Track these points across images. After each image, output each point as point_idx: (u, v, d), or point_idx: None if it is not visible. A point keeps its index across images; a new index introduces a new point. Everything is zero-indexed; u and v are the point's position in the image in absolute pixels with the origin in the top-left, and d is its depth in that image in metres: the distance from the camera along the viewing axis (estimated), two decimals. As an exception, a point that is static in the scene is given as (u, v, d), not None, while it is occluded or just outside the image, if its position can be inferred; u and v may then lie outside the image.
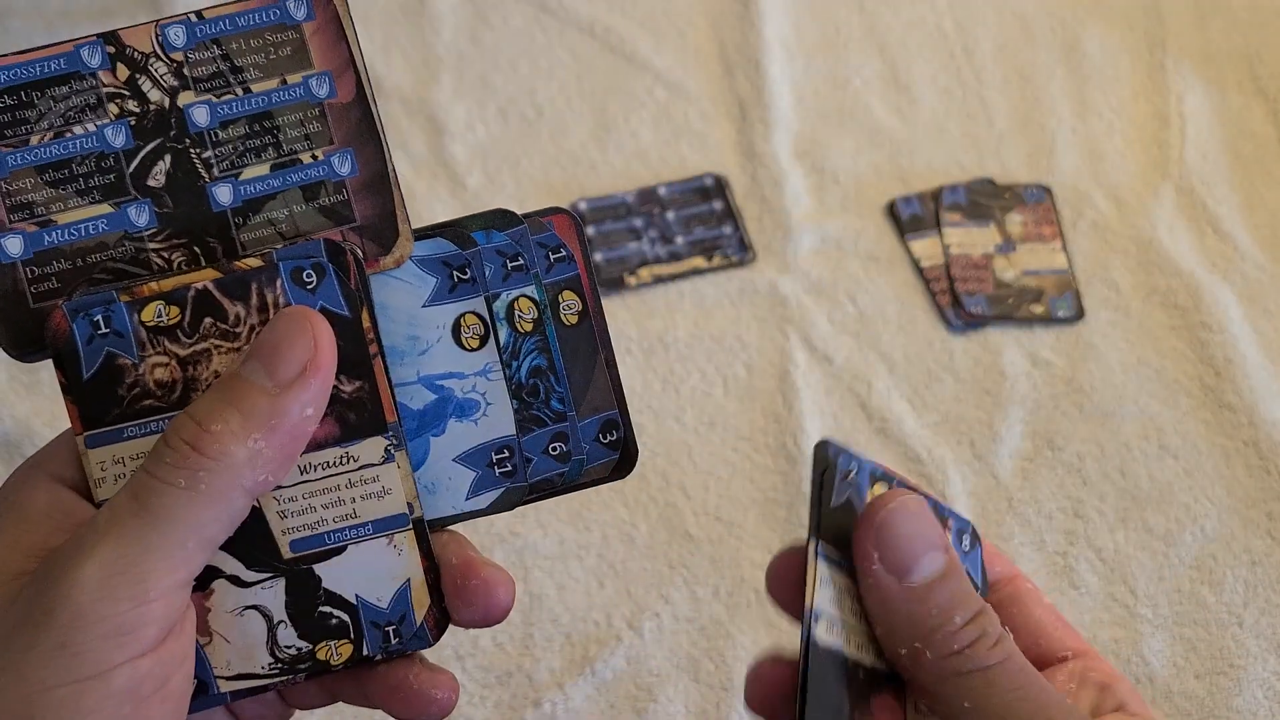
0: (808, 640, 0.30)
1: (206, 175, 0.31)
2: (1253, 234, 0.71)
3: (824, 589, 0.30)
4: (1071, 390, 0.65)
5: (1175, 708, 0.55)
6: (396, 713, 0.32)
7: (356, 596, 0.31)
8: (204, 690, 0.30)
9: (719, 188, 0.72)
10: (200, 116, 0.31)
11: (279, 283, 0.30)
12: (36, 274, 0.31)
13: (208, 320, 0.30)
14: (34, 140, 0.31)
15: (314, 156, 0.31)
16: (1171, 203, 0.72)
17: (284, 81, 0.31)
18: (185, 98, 0.31)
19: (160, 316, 0.30)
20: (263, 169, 0.31)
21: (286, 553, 0.30)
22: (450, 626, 0.32)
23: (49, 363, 0.30)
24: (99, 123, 0.31)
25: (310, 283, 0.30)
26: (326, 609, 0.31)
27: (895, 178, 0.73)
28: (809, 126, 0.75)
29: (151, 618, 0.27)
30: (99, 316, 0.30)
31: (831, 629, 0.30)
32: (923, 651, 0.30)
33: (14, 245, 0.30)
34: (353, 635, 0.31)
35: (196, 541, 0.27)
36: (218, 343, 0.30)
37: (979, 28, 0.80)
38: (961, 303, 0.67)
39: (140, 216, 0.31)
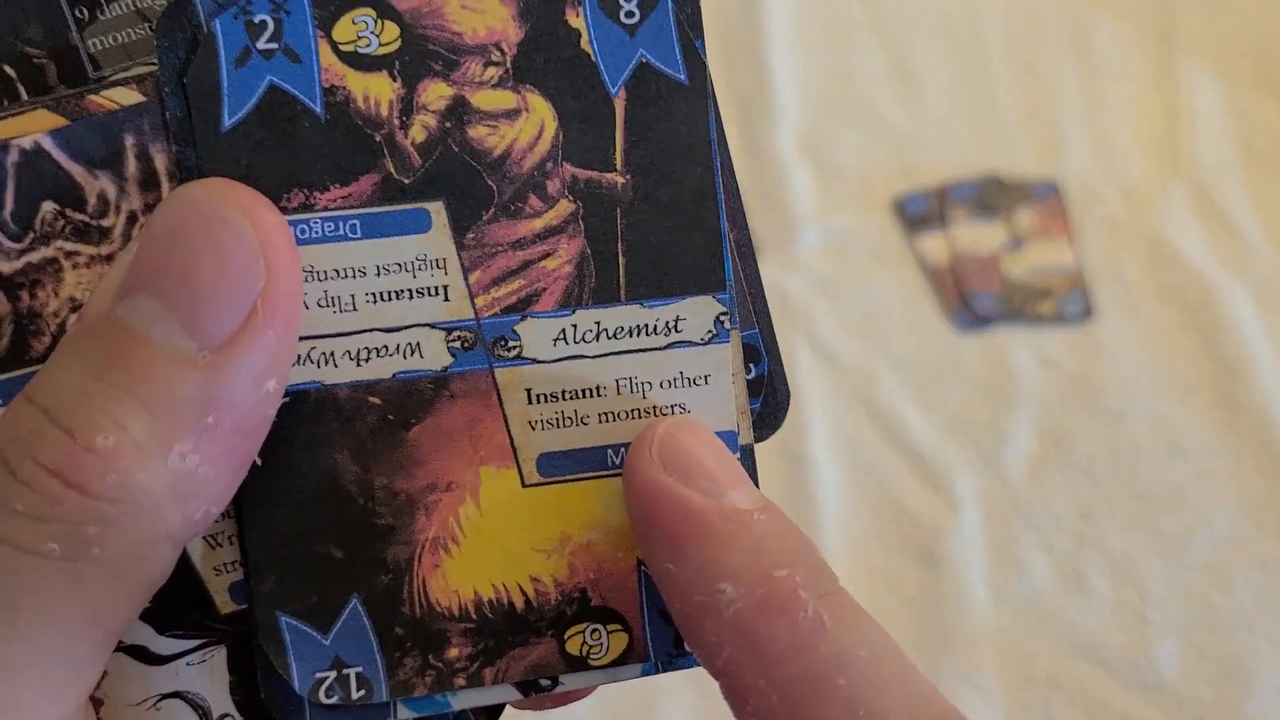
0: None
1: None
2: (1265, 231, 0.70)
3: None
4: (1080, 390, 0.64)
5: (1186, 714, 0.55)
6: None
7: None
8: None
9: (722, 183, 0.71)
10: None
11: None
12: None
13: (49, 206, 0.17)
14: None
15: None
16: (1182, 199, 0.72)
17: None
18: None
19: None
20: None
21: (224, 604, 0.18)
22: None
23: None
24: None
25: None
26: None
27: (901, 174, 0.72)
28: (813, 121, 0.74)
29: None
30: None
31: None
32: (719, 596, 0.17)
33: None
34: None
35: (93, 643, 0.16)
36: (72, 248, 0.17)
37: (987, 21, 0.79)
38: (968, 301, 0.67)
39: None
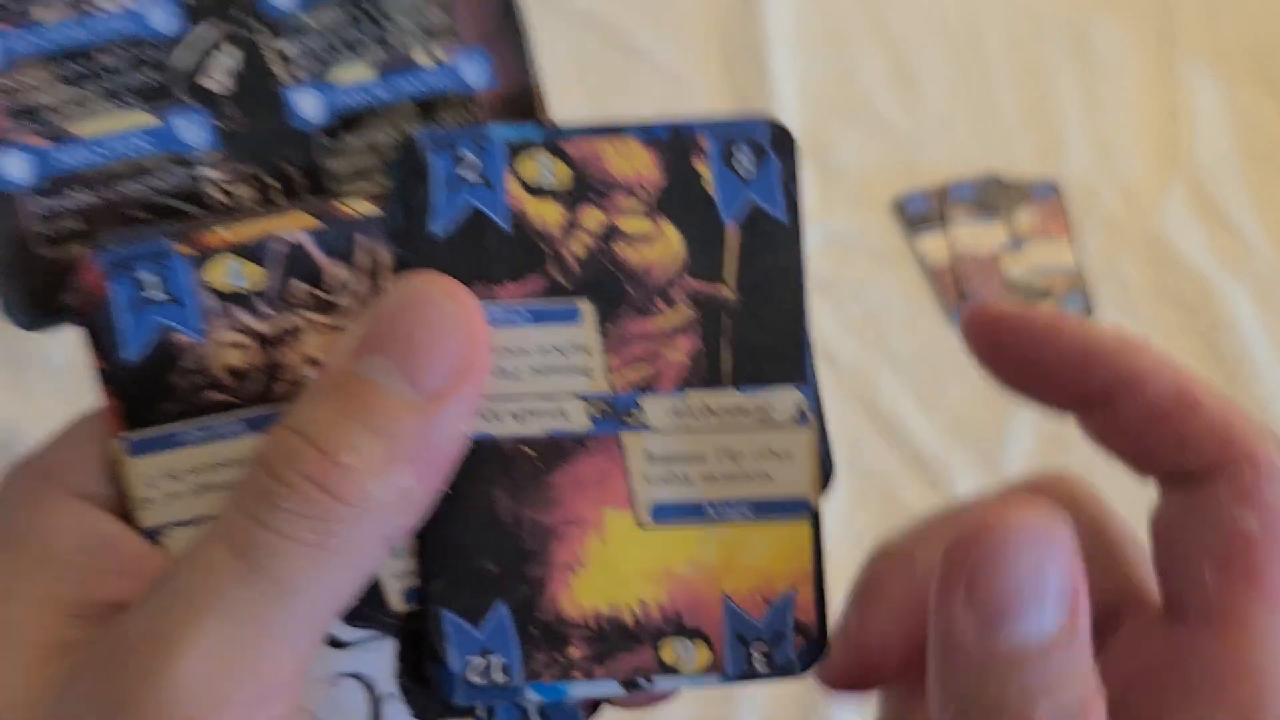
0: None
1: (285, 77, 0.23)
2: (1264, 231, 0.70)
3: None
4: (1081, 390, 0.64)
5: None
6: None
7: None
8: None
9: (722, 183, 0.71)
10: None
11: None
12: (50, 208, 0.22)
13: (299, 285, 0.22)
14: (44, 17, 0.22)
15: (434, 58, 0.23)
16: (1182, 200, 0.72)
17: None
18: None
19: (235, 278, 0.22)
20: (363, 72, 0.23)
21: (397, 604, 0.23)
22: None
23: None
24: None
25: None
26: None
27: (901, 174, 0.72)
28: (813, 121, 0.74)
29: (270, 718, 0.20)
30: (148, 274, 0.22)
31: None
32: None
33: (16, 165, 0.22)
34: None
35: (327, 615, 0.20)
36: (312, 316, 0.22)
37: (987, 21, 0.79)
38: (969, 301, 0.66)
39: (193, 132, 0.23)
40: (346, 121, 0.23)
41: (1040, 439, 0.62)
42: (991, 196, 0.71)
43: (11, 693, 0.20)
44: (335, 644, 0.23)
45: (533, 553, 0.22)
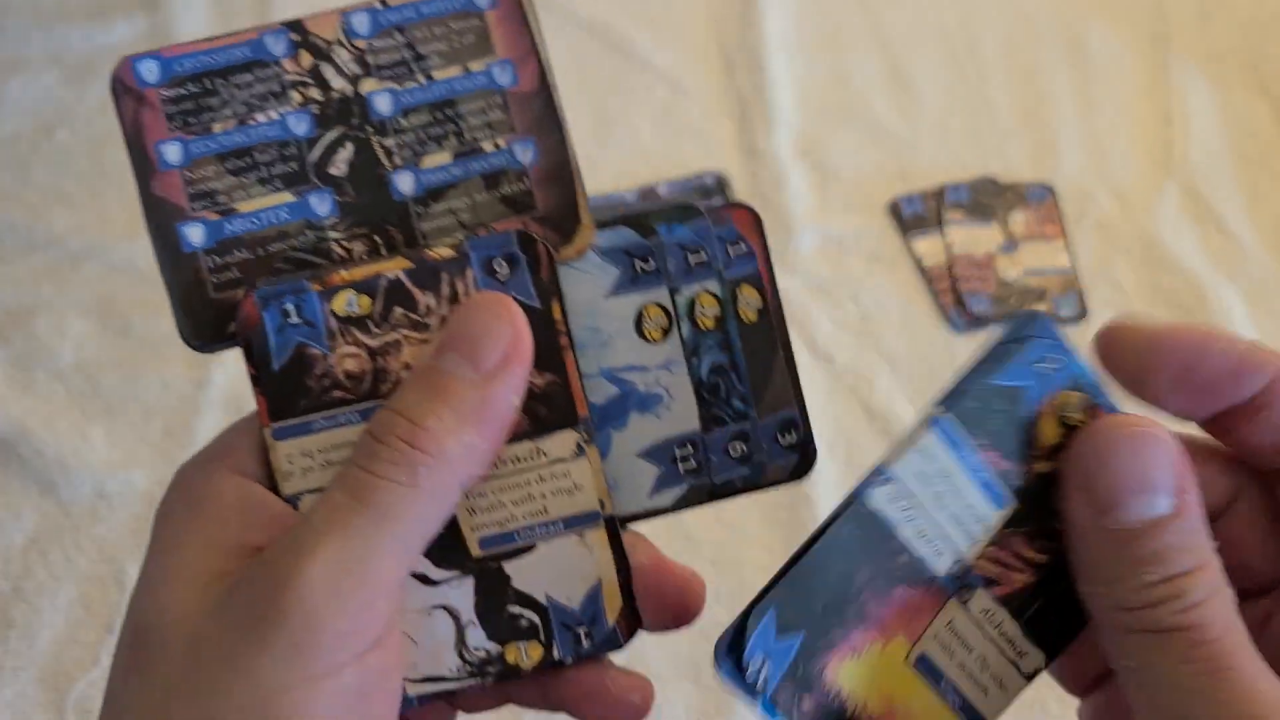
0: (858, 494, 0.27)
1: (388, 164, 0.31)
2: (1257, 233, 0.70)
3: (915, 458, 0.27)
4: (1075, 390, 0.64)
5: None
6: (589, 716, 0.31)
7: (547, 596, 0.30)
8: None
9: (720, 186, 0.71)
10: (383, 104, 0.31)
11: (469, 273, 0.30)
12: (218, 264, 0.30)
13: (398, 310, 0.29)
14: (216, 128, 0.30)
15: (496, 145, 0.31)
16: (1175, 202, 0.72)
17: (466, 69, 0.31)
18: (367, 85, 0.31)
19: (351, 306, 0.29)
20: (444, 157, 0.31)
21: (476, 550, 0.30)
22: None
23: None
24: (281, 110, 0.30)
25: (501, 273, 0.30)
26: (516, 609, 0.30)
27: (897, 176, 0.72)
28: (810, 124, 0.74)
29: (377, 617, 0.26)
30: (290, 305, 0.29)
31: (896, 503, 0.27)
32: (1102, 596, 0.26)
33: (196, 234, 0.30)
34: (543, 637, 0.30)
35: (417, 539, 0.27)
36: (408, 333, 0.29)
37: (982, 25, 0.79)
38: (964, 302, 0.67)
39: (322, 205, 0.30)
40: (433, 194, 0.31)
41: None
42: (987, 199, 0.71)
43: (185, 606, 0.27)
44: (426, 581, 0.29)
45: (846, 621, 0.27)
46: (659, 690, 0.57)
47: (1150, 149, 0.74)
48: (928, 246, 0.69)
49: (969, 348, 0.65)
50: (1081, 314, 0.67)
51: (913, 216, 0.70)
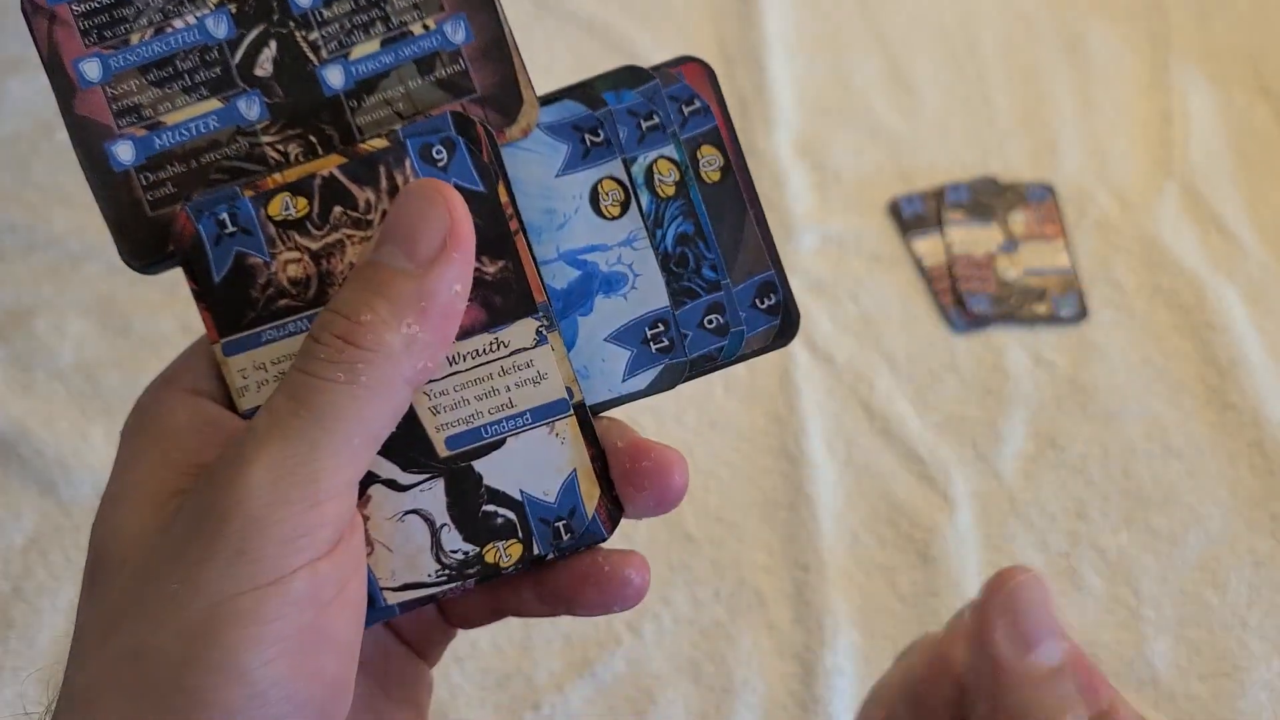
0: None
1: (315, 58, 0.29)
2: (1257, 233, 0.71)
3: None
4: (1075, 390, 0.64)
5: (1179, 710, 0.55)
6: (588, 604, 0.30)
7: (521, 492, 0.29)
8: (370, 604, 0.29)
9: (720, 186, 0.71)
10: None
11: (408, 163, 0.28)
12: (151, 180, 0.29)
13: (337, 209, 0.28)
14: (134, 39, 0.29)
15: (425, 26, 0.29)
16: (1175, 202, 0.72)
17: None
18: None
19: (288, 209, 0.28)
20: (372, 46, 0.29)
21: (443, 451, 0.29)
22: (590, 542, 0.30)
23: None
24: (199, 13, 0.29)
25: (441, 159, 0.28)
26: (490, 508, 0.29)
27: (897, 176, 0.72)
28: (810, 124, 0.74)
29: (325, 519, 0.26)
30: (224, 214, 0.28)
31: None
32: None
33: (125, 152, 0.29)
34: (520, 534, 0.29)
35: (362, 438, 0.26)
36: (350, 232, 0.28)
37: (982, 25, 0.79)
38: (964, 302, 0.67)
39: (251, 109, 0.29)
40: (365, 85, 0.29)
41: (1033, 438, 0.63)
42: (987, 199, 0.71)
43: (140, 525, 0.27)
44: (396, 487, 0.29)
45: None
46: (659, 690, 0.57)
47: (1150, 149, 0.74)
48: (928, 246, 0.69)
49: (969, 347, 0.66)
50: (1081, 314, 0.67)
51: (913, 216, 0.70)
